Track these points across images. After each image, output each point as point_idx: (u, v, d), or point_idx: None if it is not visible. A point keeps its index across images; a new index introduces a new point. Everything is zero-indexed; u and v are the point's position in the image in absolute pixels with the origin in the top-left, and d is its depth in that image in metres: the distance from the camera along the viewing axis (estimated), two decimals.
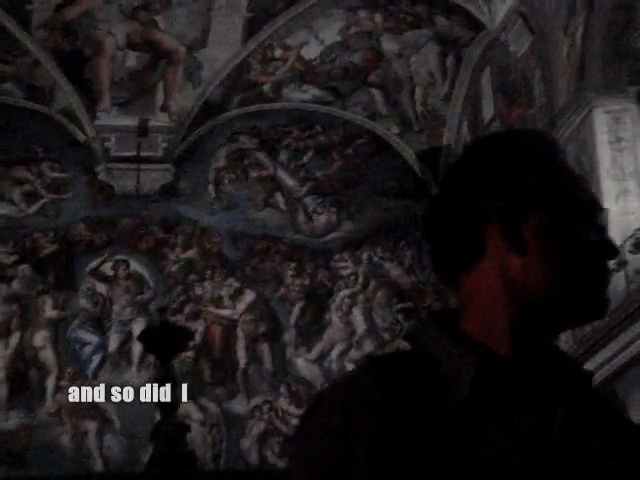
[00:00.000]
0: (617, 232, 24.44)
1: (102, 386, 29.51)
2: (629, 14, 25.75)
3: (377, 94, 33.11)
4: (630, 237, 24.34)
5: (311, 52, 32.16)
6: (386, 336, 32.17)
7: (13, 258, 31.37)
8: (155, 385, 17.10)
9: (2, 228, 31.60)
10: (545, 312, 2.94)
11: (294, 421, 31.45)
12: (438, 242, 2.99)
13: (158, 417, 16.31)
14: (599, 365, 24.11)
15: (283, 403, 31.73)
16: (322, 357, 32.32)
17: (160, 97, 32.32)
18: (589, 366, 23.65)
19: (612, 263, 3.16)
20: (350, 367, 31.79)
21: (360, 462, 2.74)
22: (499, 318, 2.95)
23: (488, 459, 2.76)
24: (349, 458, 2.74)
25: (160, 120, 32.57)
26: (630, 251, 23.56)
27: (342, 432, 2.75)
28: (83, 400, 29.85)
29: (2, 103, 32.20)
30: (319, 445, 2.80)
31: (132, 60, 31.81)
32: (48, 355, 30.94)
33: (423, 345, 3.01)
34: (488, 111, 31.63)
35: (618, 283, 23.49)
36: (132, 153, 32.17)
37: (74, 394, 30.08)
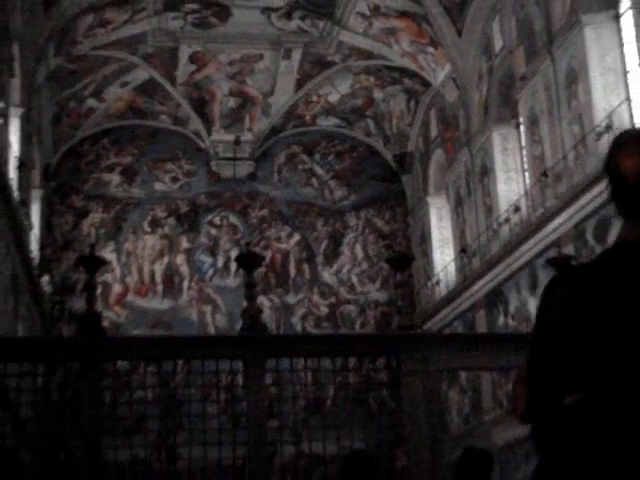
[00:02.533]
0: None
1: (215, 285, 37.07)
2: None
3: (371, 122, 39.12)
4: None
5: (333, 98, 37.98)
6: (374, 259, 38.14)
7: (165, 214, 37.63)
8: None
9: (159, 197, 37.74)
10: None
11: (322, 308, 37.75)
12: None
13: (245, 304, 15.21)
14: None
15: (315, 297, 37.89)
16: (338, 272, 38.40)
17: (247, 123, 38.17)
18: None
19: None
20: (354, 278, 38.32)
21: (570, 314, 3.26)
22: None
23: None
24: (563, 312, 3.26)
25: (247, 136, 38.59)
26: None
27: (560, 297, 3.30)
28: (204, 293, 37.02)
29: (160, 127, 38.10)
30: (549, 302, 3.42)
31: (231, 102, 37.64)
32: (184, 269, 37.09)
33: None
34: (434, 132, 36.75)
35: None
36: (231, 155, 38.24)
37: (199, 290, 37.07)
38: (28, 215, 30.12)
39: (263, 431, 14.70)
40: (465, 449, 9.10)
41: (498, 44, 30.49)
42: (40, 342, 21.36)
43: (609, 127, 23.95)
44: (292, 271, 38.25)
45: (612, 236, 23.31)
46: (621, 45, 24.92)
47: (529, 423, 3.47)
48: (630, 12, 24.23)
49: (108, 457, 14.70)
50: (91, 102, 36.17)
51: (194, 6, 32.82)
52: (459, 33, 32.05)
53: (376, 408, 30.38)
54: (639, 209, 3.32)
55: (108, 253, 35.06)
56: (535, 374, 3.34)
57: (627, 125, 23.69)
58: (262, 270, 32.02)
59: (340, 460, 8.96)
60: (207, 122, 38.06)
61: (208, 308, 37.08)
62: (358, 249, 38.87)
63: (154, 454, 20.57)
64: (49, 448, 16.57)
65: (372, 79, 36.94)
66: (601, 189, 23.52)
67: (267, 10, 33.35)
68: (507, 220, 29.99)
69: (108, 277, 35.67)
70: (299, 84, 37.22)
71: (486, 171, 31.53)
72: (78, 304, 32.09)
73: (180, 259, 37.47)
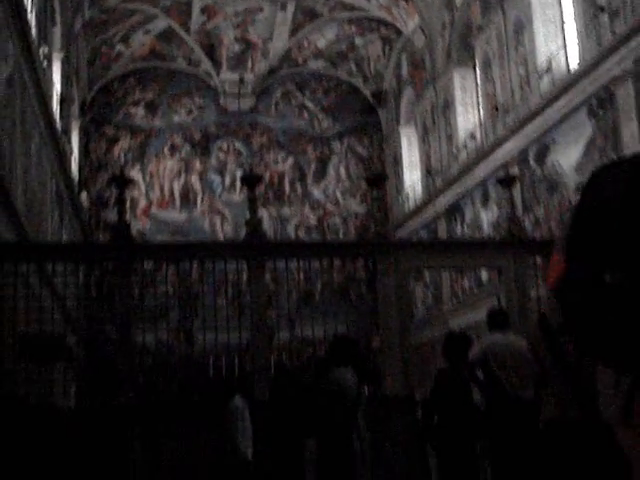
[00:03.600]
0: None
1: (223, 200, 37.15)
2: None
3: (352, 64, 38.43)
4: None
5: (321, 44, 37.44)
6: (355, 179, 37.95)
7: (181, 141, 37.41)
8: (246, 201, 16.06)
9: (177, 127, 37.54)
10: None
11: (312, 219, 37.75)
12: None
13: (248, 215, 15.39)
14: None
15: (306, 210, 37.88)
16: (325, 189, 38.36)
17: (249, 65, 37.73)
18: None
19: None
20: (338, 194, 38.15)
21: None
22: None
23: None
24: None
25: (249, 76, 38.12)
26: None
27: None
28: (214, 206, 37.08)
29: (176, 68, 37.64)
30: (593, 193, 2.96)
31: (236, 47, 37.22)
32: (197, 186, 37.10)
33: None
34: (405, 73, 36.50)
35: None
36: (236, 91, 37.91)
37: (210, 204, 37.15)
38: (69, 142, 30.09)
39: (263, 319, 15.20)
40: (447, 334, 9.18)
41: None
42: (80, 247, 21.91)
43: (549, 69, 24.06)
44: (287, 188, 38.28)
45: (550, 159, 23.64)
46: (559, 1, 24.84)
47: (559, 293, 3.16)
48: None
49: (137, 339, 15.06)
50: (119, 47, 35.95)
51: None
52: None
53: (356, 300, 30.63)
54: None
55: (135, 173, 35.14)
56: (576, 247, 3.08)
57: (564, 67, 23.76)
58: (262, 188, 31.88)
59: (327, 342, 9.08)
60: (216, 64, 37.85)
61: (217, 219, 37.23)
62: (341, 170, 38.82)
63: (174, 337, 20.97)
64: (90, 333, 16.90)
65: (354, 28, 36.60)
66: (542, 120, 23.98)
67: None
68: (465, 146, 30.13)
69: (135, 193, 35.64)
70: (293, 32, 36.88)
71: (448, 105, 31.61)
72: (110, 216, 32.27)
73: (194, 178, 37.54)
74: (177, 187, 37.29)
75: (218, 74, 38.12)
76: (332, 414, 8.15)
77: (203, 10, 35.18)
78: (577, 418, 4.50)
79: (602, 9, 21.00)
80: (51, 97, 24.45)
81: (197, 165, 37.71)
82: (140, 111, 37.56)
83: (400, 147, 37.35)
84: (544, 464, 4.73)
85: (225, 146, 38.24)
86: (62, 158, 26.29)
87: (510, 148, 26.05)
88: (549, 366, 4.72)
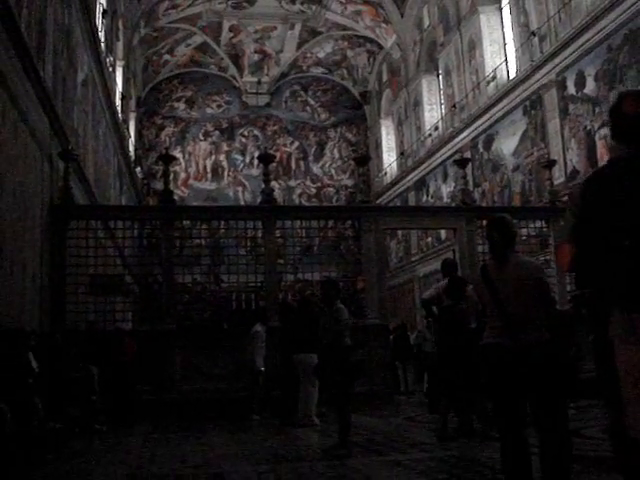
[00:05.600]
0: None
1: (244, 174, 36.66)
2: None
3: (344, 71, 37.86)
4: None
5: (321, 55, 36.85)
6: (345, 159, 37.49)
7: (212, 128, 36.98)
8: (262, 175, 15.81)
9: (209, 117, 37.00)
10: None
11: (312, 189, 37.20)
12: None
13: (263, 186, 15.52)
14: None
15: (307, 182, 37.44)
16: (322, 166, 37.87)
17: (265, 70, 37.33)
18: None
19: None
20: (333, 171, 37.60)
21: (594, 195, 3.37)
22: None
23: None
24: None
25: (265, 79, 37.65)
26: None
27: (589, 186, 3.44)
28: (237, 179, 36.62)
29: (210, 73, 37.14)
30: (582, 189, 3.46)
31: (255, 57, 36.67)
32: (224, 163, 36.61)
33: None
34: (385, 78, 35.94)
35: None
36: (255, 90, 37.53)
37: (234, 177, 36.67)
38: (127, 129, 30.13)
39: (274, 265, 15.40)
40: (450, 278, 9.24)
41: (426, 23, 30.03)
42: (135, 208, 22.28)
43: (494, 78, 24.15)
44: (293, 165, 37.93)
45: (494, 146, 23.68)
46: (502, 26, 24.82)
47: (575, 272, 3.59)
48: (508, 6, 24.00)
49: (178, 279, 15.24)
50: (166, 57, 35.70)
51: None
52: (402, 15, 31.62)
53: (345, 252, 30.60)
54: (631, 137, 3.38)
55: (177, 153, 34.60)
56: (583, 236, 3.39)
57: (505, 76, 23.81)
58: (274, 164, 30.20)
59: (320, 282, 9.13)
60: (240, 69, 37.44)
61: (240, 188, 36.92)
62: (335, 152, 38.45)
63: (206, 278, 20.99)
64: (142, 273, 17.03)
65: (346, 43, 36.30)
66: (488, 117, 24.01)
67: None
68: (430, 135, 29.93)
69: (177, 168, 35.25)
70: (299, 46, 36.58)
71: (417, 104, 31.45)
72: (158, 185, 31.96)
73: (222, 157, 37.21)
74: (209, 164, 36.96)
75: (241, 77, 37.70)
76: (333, 336, 8.15)
77: (230, 29, 34.92)
78: (506, 343, 4.60)
79: (533, 34, 21.28)
80: (114, 95, 24.53)
81: (224, 147, 37.35)
82: (181, 105, 37.12)
83: (380, 135, 37.04)
84: (482, 376, 4.86)
85: (246, 132, 37.81)
86: (122, 141, 26.32)
87: (464, 137, 26.10)
88: (487, 303, 4.81)
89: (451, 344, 8.36)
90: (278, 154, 35.58)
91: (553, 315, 4.78)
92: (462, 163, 17.60)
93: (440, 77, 29.79)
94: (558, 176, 19.12)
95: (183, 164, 36.35)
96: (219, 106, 37.75)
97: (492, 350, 4.67)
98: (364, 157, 18.49)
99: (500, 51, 24.52)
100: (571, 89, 19.37)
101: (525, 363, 4.49)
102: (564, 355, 4.75)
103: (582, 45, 18.67)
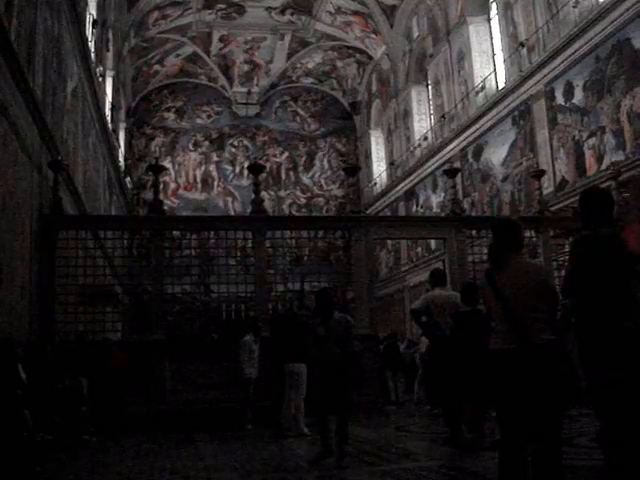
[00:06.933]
0: None
1: (234, 184, 36.68)
2: None
3: (334, 81, 38.08)
4: None
5: (310, 65, 37.02)
6: (335, 169, 37.66)
7: (202, 139, 37.05)
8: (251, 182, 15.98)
9: (199, 128, 37.07)
10: None
11: (302, 200, 37.31)
12: None
13: (253, 196, 15.48)
14: None
15: (298, 192, 37.58)
16: (312, 176, 38.05)
17: (255, 81, 37.34)
18: None
19: None
20: (322, 181, 37.72)
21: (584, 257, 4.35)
22: None
23: None
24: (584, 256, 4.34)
25: (255, 89, 37.76)
26: None
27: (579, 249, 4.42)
28: (227, 189, 36.62)
29: (199, 83, 37.17)
30: (576, 250, 4.48)
31: (245, 67, 36.74)
32: (214, 174, 36.65)
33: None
34: (375, 88, 36.06)
35: None
36: (244, 101, 37.75)
37: (224, 187, 36.72)
38: (117, 139, 30.00)
39: (264, 276, 15.33)
40: (465, 283, 9.40)
41: (415, 33, 30.17)
42: (125, 218, 22.21)
43: (483, 88, 24.25)
44: (283, 176, 38.01)
45: (483, 156, 23.76)
46: (491, 37, 24.95)
47: None
48: (496, 17, 24.19)
49: (168, 290, 15.18)
50: (156, 67, 35.78)
51: (222, 5, 32.43)
52: (391, 26, 31.73)
53: (335, 262, 30.58)
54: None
55: (167, 163, 34.80)
56: None
57: (494, 87, 23.88)
58: (264, 175, 30.00)
59: (313, 293, 9.06)
60: (230, 80, 37.54)
61: (229, 199, 36.93)
62: (325, 162, 38.57)
63: (196, 289, 20.92)
64: (132, 283, 16.96)
65: (335, 54, 36.45)
66: (478, 127, 24.13)
67: (269, 8, 32.98)
68: (419, 145, 29.99)
69: (167, 178, 35.30)
70: (289, 56, 36.71)
71: (407, 114, 31.58)
72: (148, 195, 31.96)
73: (212, 167, 37.29)
74: (199, 174, 37.03)
75: (231, 87, 37.80)
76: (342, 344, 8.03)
77: (220, 39, 35.00)
78: (512, 347, 4.58)
79: (522, 45, 21.37)
80: (104, 105, 24.51)
81: (214, 157, 37.45)
82: (171, 115, 37.22)
83: (370, 145, 37.14)
84: (490, 384, 4.82)
85: (236, 143, 37.91)
86: (112, 151, 26.27)
87: (453, 147, 26.18)
88: (492, 306, 4.80)
89: (473, 349, 8.19)
90: (268, 164, 35.55)
91: (557, 316, 4.79)
92: (452, 173, 17.62)
93: (429, 87, 29.87)
94: (547, 186, 19.16)
95: (173, 174, 36.39)
96: (209, 116, 37.82)
97: (499, 357, 4.65)
98: (354, 167, 18.46)
99: (489, 62, 24.66)
100: (560, 99, 19.47)
101: (532, 365, 4.47)
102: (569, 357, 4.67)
103: (570, 56, 18.79)
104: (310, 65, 37.49)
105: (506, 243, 4.83)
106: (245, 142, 38.01)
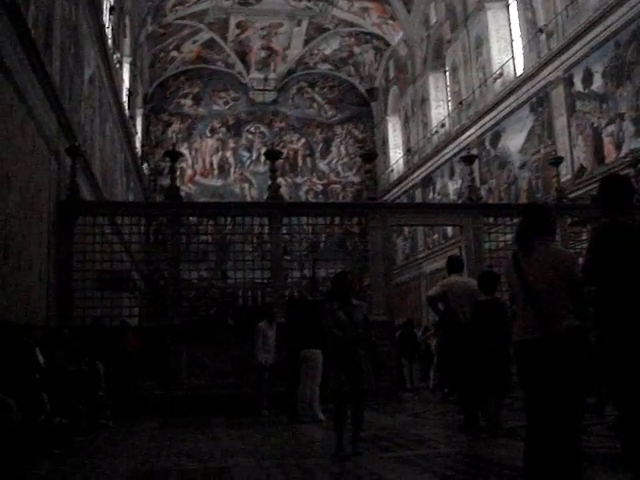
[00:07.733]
0: None
1: (251, 170, 36.83)
2: None
3: (351, 68, 37.97)
4: None
5: (328, 51, 36.91)
6: (352, 155, 37.64)
7: (219, 125, 37.17)
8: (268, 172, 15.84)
9: (216, 114, 37.22)
10: None
11: (318, 186, 37.39)
12: None
13: (269, 182, 15.51)
14: None
15: (314, 179, 37.68)
16: (329, 163, 38.12)
17: (272, 67, 37.50)
18: None
19: None
20: (339, 167, 37.85)
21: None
22: None
23: None
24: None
25: (272, 75, 37.91)
26: None
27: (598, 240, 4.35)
28: (244, 175, 37.10)
29: (216, 69, 37.21)
30: (597, 240, 4.39)
31: (263, 53, 36.69)
32: (231, 160, 36.78)
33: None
34: (392, 75, 35.99)
35: None
36: (262, 87, 37.80)
37: (240, 174, 36.78)
38: (134, 125, 30.23)
39: (280, 262, 15.33)
40: (483, 272, 9.51)
41: (433, 19, 30.05)
42: (142, 205, 22.21)
43: (501, 74, 24.15)
44: (299, 162, 38.09)
45: (501, 143, 23.65)
46: (509, 23, 24.77)
47: None
48: (515, 3, 24.02)
49: (184, 275, 15.21)
50: (173, 53, 35.83)
51: None
52: (409, 11, 31.63)
53: (351, 249, 30.61)
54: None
55: (184, 149, 34.99)
56: None
57: (512, 73, 23.78)
58: (280, 161, 30.07)
59: (330, 278, 9.00)
60: (247, 66, 37.64)
61: (246, 185, 37.07)
62: (342, 149, 38.60)
63: (212, 275, 21.00)
64: (149, 269, 17.03)
65: (353, 40, 36.34)
66: (495, 113, 24.00)
67: None
68: (437, 132, 29.86)
69: (184, 165, 35.51)
70: (306, 42, 36.68)
71: (424, 100, 31.47)
72: (165, 182, 31.79)
73: (229, 154, 37.41)
74: (215, 160, 37.14)
75: (248, 74, 37.88)
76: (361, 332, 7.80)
77: (238, 25, 34.95)
78: (537, 338, 4.54)
79: (541, 30, 21.22)
80: (121, 91, 24.61)
81: (231, 144, 37.55)
82: (188, 102, 37.33)
83: (387, 132, 37.07)
84: (518, 374, 4.79)
85: (253, 129, 38.00)
86: (129, 137, 26.40)
87: (471, 134, 26.03)
88: (517, 291, 4.77)
89: (492, 338, 8.15)
90: (285, 151, 35.71)
91: (582, 303, 4.69)
92: (469, 160, 17.54)
93: (447, 74, 29.77)
94: (565, 173, 19.05)
95: (190, 161, 36.51)
96: (226, 103, 37.87)
97: (523, 348, 4.62)
98: (371, 154, 18.38)
99: (507, 48, 24.51)
100: (578, 86, 19.33)
101: (555, 354, 4.42)
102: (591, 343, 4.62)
103: (590, 42, 18.62)
104: (327, 51, 37.39)
105: (535, 227, 4.76)
106: (262, 128, 38.05)
